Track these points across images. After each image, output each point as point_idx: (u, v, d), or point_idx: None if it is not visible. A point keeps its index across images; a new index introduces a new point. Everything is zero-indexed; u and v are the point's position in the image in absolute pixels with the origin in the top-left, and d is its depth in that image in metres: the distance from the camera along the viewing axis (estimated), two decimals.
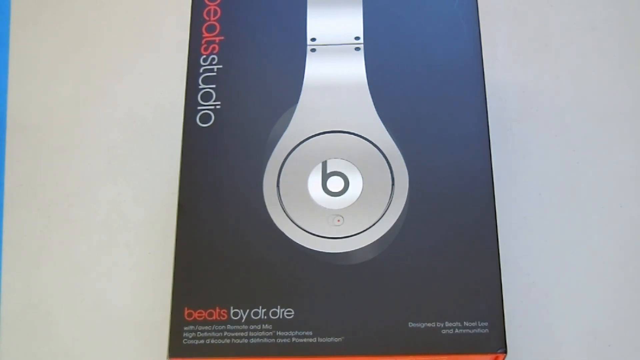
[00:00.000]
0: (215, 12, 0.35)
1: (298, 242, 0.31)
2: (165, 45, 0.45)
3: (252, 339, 0.30)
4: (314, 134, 0.33)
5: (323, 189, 0.32)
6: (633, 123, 0.42)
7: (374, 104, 0.33)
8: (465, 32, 0.34)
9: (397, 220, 0.31)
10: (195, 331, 0.30)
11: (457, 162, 0.32)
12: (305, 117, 0.33)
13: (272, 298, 0.30)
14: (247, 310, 0.30)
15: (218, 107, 0.33)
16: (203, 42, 0.35)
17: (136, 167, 0.42)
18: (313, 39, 0.34)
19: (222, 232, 0.31)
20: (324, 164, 0.32)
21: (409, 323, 0.29)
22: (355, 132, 0.32)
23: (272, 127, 0.33)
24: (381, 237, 0.31)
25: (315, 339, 0.29)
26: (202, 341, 0.30)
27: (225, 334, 0.30)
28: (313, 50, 0.34)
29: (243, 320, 0.30)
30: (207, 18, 0.35)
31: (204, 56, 0.34)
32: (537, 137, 0.41)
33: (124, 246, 0.40)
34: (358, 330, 0.29)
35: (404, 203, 0.31)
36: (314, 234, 0.31)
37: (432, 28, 0.34)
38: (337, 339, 0.29)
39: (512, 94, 0.43)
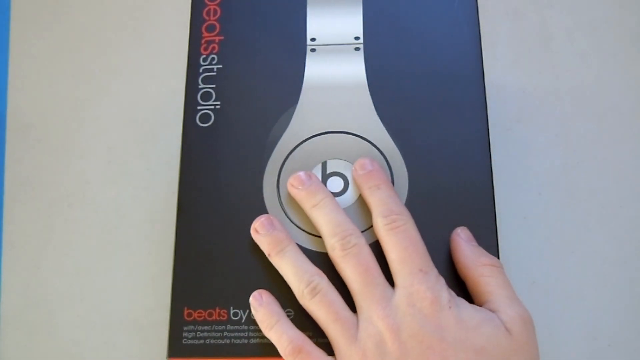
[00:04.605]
0: (215, 11, 0.35)
1: (298, 242, 0.31)
2: (165, 45, 0.45)
3: (252, 339, 0.30)
4: (313, 134, 0.33)
5: None
6: (633, 123, 0.42)
7: (374, 104, 0.33)
8: (465, 32, 0.34)
9: None
10: (195, 331, 0.30)
11: (457, 162, 0.32)
12: (305, 118, 0.33)
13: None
14: (247, 311, 0.30)
15: (218, 107, 0.33)
16: (203, 41, 0.35)
17: (136, 167, 0.42)
18: (313, 39, 0.34)
19: (222, 232, 0.31)
20: (324, 165, 0.32)
21: None
22: (355, 133, 0.32)
23: (272, 127, 0.33)
24: None
25: (315, 339, 0.29)
26: (201, 341, 0.30)
27: (225, 334, 0.30)
28: (313, 50, 0.34)
29: (243, 321, 0.30)
30: (207, 18, 0.35)
31: (204, 56, 0.34)
32: (537, 137, 0.41)
33: (124, 246, 0.40)
34: None
35: (403, 203, 0.31)
36: (313, 235, 0.31)
37: (432, 28, 0.34)
38: None
39: (512, 94, 0.43)
